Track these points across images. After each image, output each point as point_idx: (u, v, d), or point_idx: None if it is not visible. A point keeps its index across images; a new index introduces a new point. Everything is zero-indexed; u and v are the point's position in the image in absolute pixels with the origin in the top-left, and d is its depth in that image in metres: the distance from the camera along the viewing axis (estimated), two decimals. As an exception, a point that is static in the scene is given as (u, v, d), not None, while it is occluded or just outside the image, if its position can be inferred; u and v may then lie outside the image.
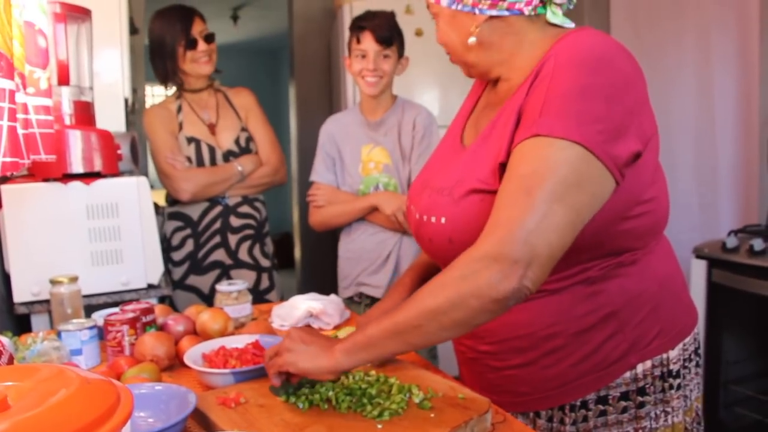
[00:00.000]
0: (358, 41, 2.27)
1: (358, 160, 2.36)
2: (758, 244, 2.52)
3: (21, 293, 1.95)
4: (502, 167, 1.10)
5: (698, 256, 2.73)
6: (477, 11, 1.15)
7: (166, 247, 2.56)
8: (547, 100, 1.04)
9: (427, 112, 2.38)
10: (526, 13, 1.15)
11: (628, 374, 1.18)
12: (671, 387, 1.21)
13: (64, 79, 1.86)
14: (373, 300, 2.38)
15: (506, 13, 1.15)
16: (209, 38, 2.57)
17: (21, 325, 2.01)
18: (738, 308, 2.65)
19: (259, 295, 2.62)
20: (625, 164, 1.06)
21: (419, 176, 1.39)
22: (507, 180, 1.04)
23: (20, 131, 1.30)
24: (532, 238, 0.97)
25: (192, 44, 2.53)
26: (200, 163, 2.57)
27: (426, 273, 1.49)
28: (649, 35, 3.41)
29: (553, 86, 1.05)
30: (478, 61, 1.21)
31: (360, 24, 2.27)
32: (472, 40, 1.17)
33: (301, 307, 1.78)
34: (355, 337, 1.09)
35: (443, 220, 1.17)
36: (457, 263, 1.02)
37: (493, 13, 1.15)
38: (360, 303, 2.42)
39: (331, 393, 1.16)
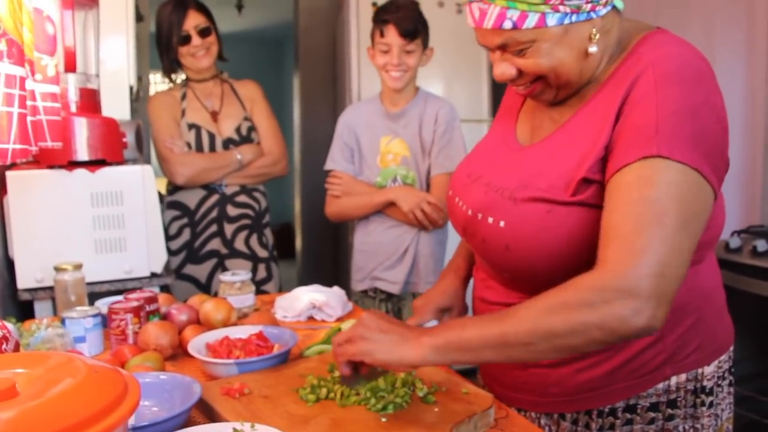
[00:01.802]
0: (382, 34, 2.21)
1: (377, 151, 2.32)
2: (761, 245, 2.51)
3: (25, 279, 1.95)
4: (583, 182, 1.06)
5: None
6: (594, 15, 1.05)
7: (164, 236, 2.56)
8: (660, 118, 0.99)
9: (450, 107, 2.33)
10: (620, 6, 1.10)
11: (660, 385, 1.16)
12: (703, 404, 1.18)
13: (70, 66, 1.86)
14: (389, 296, 2.35)
15: (610, 7, 1.08)
16: (205, 32, 2.54)
17: (24, 311, 2.02)
18: (739, 309, 2.64)
19: (255, 286, 2.62)
20: (722, 182, 1.05)
21: (462, 167, 1.32)
22: (626, 201, 0.98)
23: (28, 118, 1.30)
24: (666, 273, 0.93)
25: (185, 40, 2.52)
26: (199, 149, 2.57)
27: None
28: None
29: (663, 104, 1.00)
30: (586, 72, 1.11)
31: (383, 17, 2.21)
32: (593, 49, 1.07)
33: (304, 298, 1.78)
34: (448, 334, 1.00)
35: (502, 223, 1.12)
36: (583, 286, 0.95)
37: (607, 9, 1.07)
38: (375, 298, 2.38)
39: (337, 386, 1.16)
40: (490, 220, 1.14)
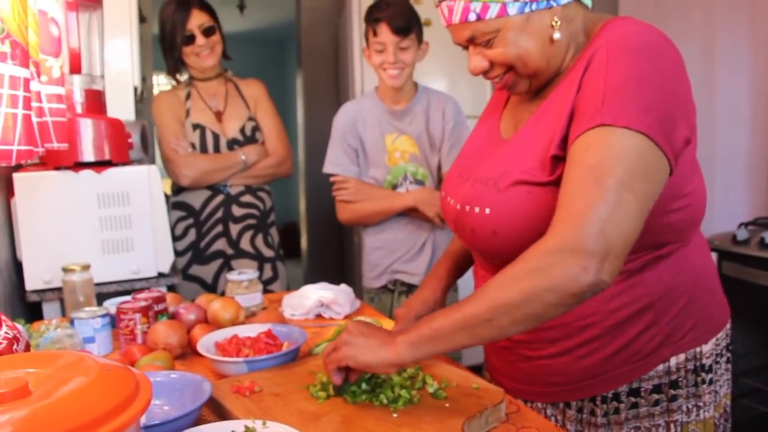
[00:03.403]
0: (375, 33, 2.17)
1: (383, 150, 2.29)
2: (769, 236, 2.51)
3: (33, 281, 1.96)
4: (555, 159, 1.09)
5: (710, 250, 2.72)
6: (554, 3, 1.10)
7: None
8: (607, 89, 1.03)
9: (454, 101, 2.32)
10: (586, 2, 1.14)
11: (661, 367, 1.18)
12: (703, 381, 1.21)
13: (75, 68, 1.86)
14: (410, 287, 2.34)
15: None
16: (208, 31, 2.53)
17: (32, 312, 2.02)
18: (747, 301, 2.64)
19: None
20: (680, 152, 1.07)
21: (454, 168, 1.36)
22: (572, 171, 1.02)
23: (34, 119, 1.30)
24: (607, 229, 0.95)
25: (189, 39, 2.50)
26: (204, 149, 2.56)
27: (462, 259, 1.49)
28: (660, 22, 3.38)
29: (611, 75, 1.04)
30: (553, 60, 1.15)
31: (375, 15, 2.17)
32: (557, 35, 1.12)
33: (312, 296, 1.78)
34: (419, 329, 1.05)
35: (487, 210, 1.15)
36: (530, 255, 0.99)
37: (568, 0, 1.11)
38: (394, 290, 2.36)
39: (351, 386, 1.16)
40: (477, 209, 1.18)
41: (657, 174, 1.02)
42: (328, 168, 2.35)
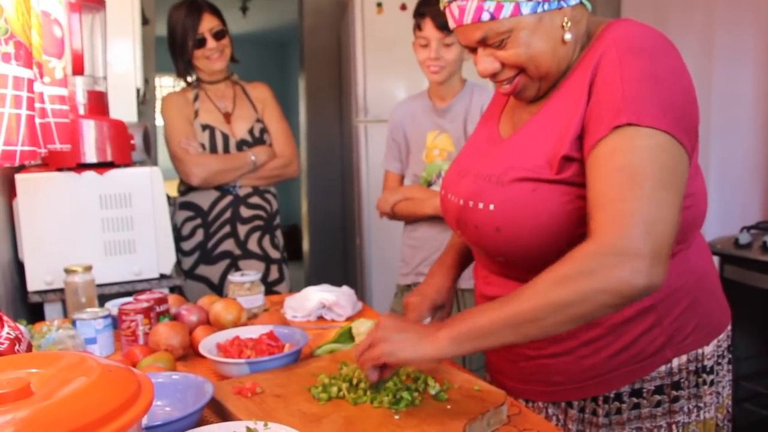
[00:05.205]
0: (420, 28, 2.14)
1: (423, 147, 2.27)
2: (771, 240, 2.51)
3: (34, 282, 1.96)
4: (565, 159, 1.09)
5: (711, 252, 2.71)
6: (564, 4, 1.11)
7: (177, 236, 2.57)
8: (625, 89, 1.04)
9: None
10: (587, 6, 1.15)
11: (663, 368, 1.18)
12: (705, 383, 1.21)
13: (78, 69, 1.86)
14: None
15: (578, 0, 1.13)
16: (219, 35, 2.56)
17: (34, 313, 2.02)
18: (750, 304, 2.64)
19: (267, 287, 2.61)
20: (694, 148, 1.08)
21: (453, 166, 1.36)
22: (603, 173, 1.02)
23: (37, 120, 1.31)
24: (654, 229, 0.97)
25: (200, 43, 2.53)
26: (213, 150, 2.58)
27: (465, 252, 1.47)
28: (660, 21, 3.38)
29: (627, 75, 1.05)
30: (562, 62, 1.15)
31: (420, 10, 2.13)
32: (568, 36, 1.12)
33: (314, 298, 1.78)
34: (460, 324, 1.04)
35: (491, 206, 1.15)
36: (580, 256, 0.99)
37: (576, 1, 1.12)
38: None
39: (345, 384, 1.16)
40: (481, 205, 1.18)
41: (683, 169, 1.04)
42: (383, 164, 2.38)
